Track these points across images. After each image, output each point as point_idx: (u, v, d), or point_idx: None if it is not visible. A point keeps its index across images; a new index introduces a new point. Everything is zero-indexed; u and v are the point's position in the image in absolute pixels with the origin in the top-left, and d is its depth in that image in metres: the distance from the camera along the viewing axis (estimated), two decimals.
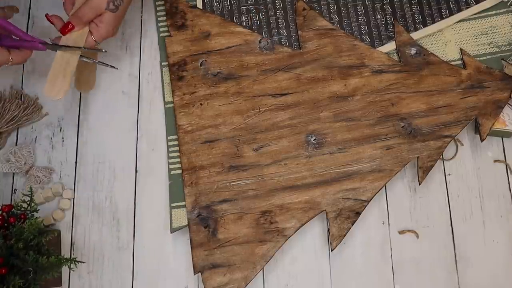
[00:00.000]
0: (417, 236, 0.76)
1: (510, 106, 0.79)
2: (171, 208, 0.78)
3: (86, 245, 0.78)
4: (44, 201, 0.79)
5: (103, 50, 0.76)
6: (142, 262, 0.77)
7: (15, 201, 0.70)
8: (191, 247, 0.75)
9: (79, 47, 0.73)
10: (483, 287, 0.74)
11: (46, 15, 0.75)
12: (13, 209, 0.69)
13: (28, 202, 0.70)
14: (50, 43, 0.73)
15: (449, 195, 0.78)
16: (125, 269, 0.77)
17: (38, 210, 0.70)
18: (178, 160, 0.80)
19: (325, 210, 0.75)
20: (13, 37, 0.73)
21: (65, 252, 0.78)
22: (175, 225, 0.77)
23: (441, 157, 0.79)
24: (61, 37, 0.73)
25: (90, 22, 0.74)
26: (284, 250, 0.76)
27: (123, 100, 0.84)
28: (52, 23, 0.75)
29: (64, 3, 0.75)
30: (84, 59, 0.76)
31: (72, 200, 0.80)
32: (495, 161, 0.79)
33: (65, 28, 0.73)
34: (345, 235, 0.74)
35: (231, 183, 0.77)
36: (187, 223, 0.76)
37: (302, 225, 0.75)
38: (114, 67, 0.79)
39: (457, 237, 0.76)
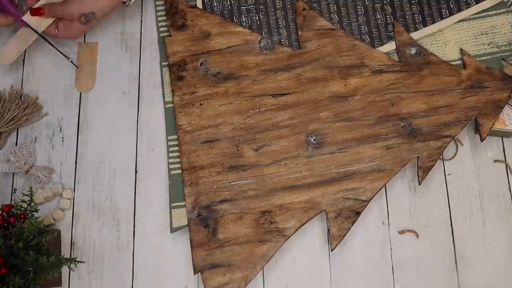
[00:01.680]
0: (417, 236, 0.76)
1: (510, 106, 0.79)
2: (171, 208, 0.78)
3: (86, 245, 0.78)
4: (44, 201, 0.79)
5: (70, 59, 0.84)
6: (142, 262, 0.77)
7: (15, 201, 0.70)
8: (191, 247, 0.75)
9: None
10: (483, 287, 0.74)
11: None
12: (13, 209, 0.69)
13: (28, 202, 0.70)
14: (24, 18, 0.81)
15: (449, 195, 0.78)
16: (125, 269, 0.77)
17: (38, 210, 0.70)
18: (178, 160, 0.80)
19: (325, 210, 0.75)
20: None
21: (65, 252, 0.78)
22: (175, 225, 0.77)
23: (441, 157, 0.79)
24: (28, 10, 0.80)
25: (61, 19, 0.80)
26: (284, 250, 0.76)
27: (123, 100, 0.84)
28: None
29: None
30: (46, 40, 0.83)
31: (72, 200, 0.80)
32: (495, 161, 0.79)
33: (36, 12, 0.79)
34: (345, 235, 0.74)
35: (231, 183, 0.77)
36: (187, 223, 0.76)
37: (302, 225, 0.75)
38: (70, 60, 0.84)
39: (457, 237, 0.76)
